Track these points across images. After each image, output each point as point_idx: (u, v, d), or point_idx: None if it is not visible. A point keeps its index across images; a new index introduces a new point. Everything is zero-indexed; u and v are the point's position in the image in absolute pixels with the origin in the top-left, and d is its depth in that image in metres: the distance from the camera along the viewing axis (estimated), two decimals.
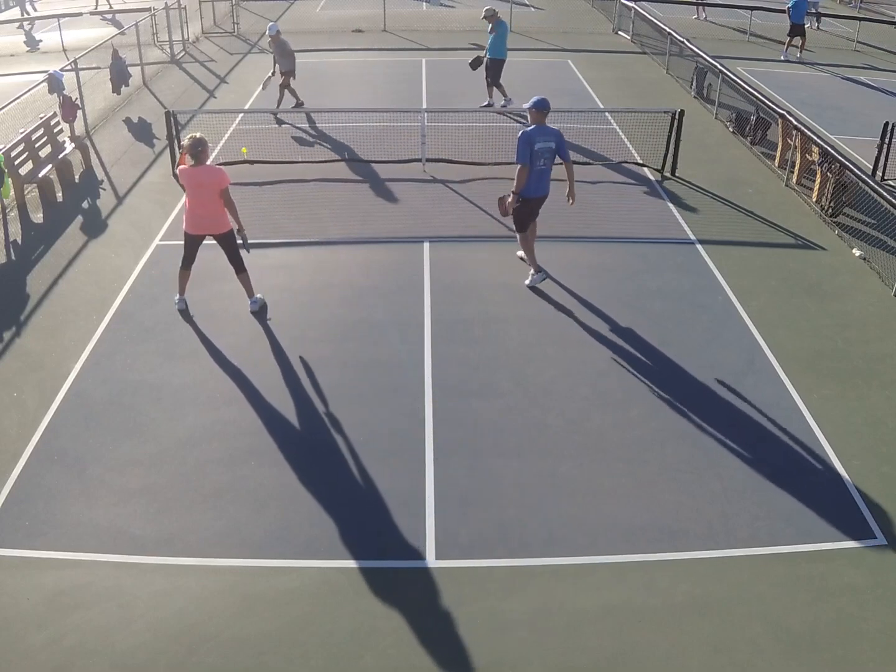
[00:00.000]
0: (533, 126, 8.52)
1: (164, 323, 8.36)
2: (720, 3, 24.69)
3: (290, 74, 14.55)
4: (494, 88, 15.16)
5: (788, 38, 20.00)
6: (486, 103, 15.21)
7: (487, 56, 14.95)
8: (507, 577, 5.52)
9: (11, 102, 12.50)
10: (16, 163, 10.97)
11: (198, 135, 7.90)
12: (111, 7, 25.24)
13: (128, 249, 9.97)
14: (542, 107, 8.54)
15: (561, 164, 8.69)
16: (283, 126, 14.00)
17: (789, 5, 19.71)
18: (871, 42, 21.81)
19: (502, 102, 15.21)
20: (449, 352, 7.93)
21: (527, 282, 9.00)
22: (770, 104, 13.28)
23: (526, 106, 8.64)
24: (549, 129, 8.58)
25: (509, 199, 8.61)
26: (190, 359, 7.80)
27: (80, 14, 21.39)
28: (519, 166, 8.39)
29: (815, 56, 20.44)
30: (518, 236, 9.01)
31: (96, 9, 24.76)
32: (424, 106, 15.26)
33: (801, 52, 20.06)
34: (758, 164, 13.08)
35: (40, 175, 11.18)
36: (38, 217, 10.95)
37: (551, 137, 8.52)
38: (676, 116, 12.11)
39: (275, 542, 5.76)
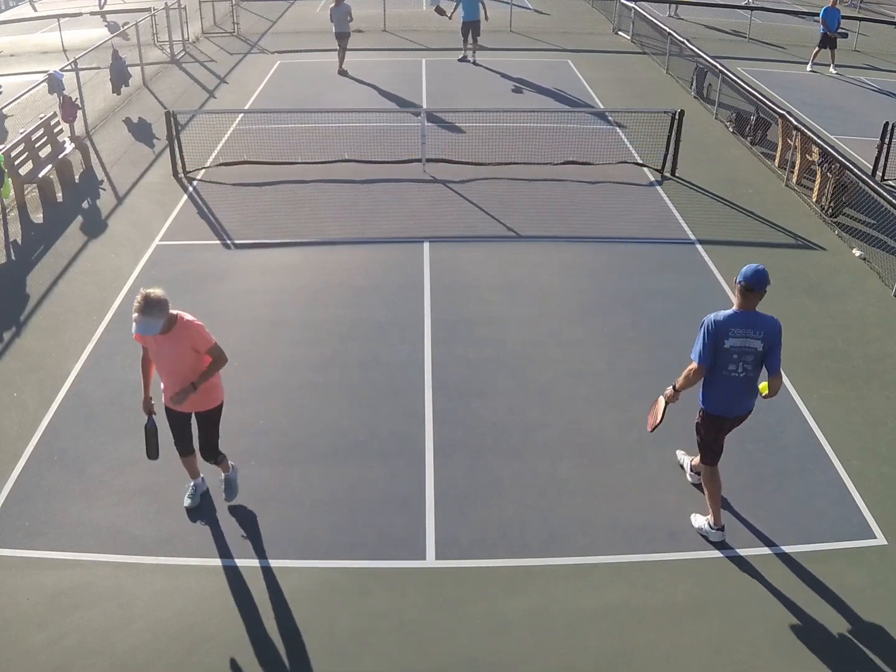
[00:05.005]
0: (731, 311, 5.41)
1: None
2: (720, 3, 24.70)
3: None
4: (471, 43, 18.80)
5: (817, 48, 18.92)
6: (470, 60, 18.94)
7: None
8: (507, 577, 5.52)
9: (11, 102, 12.50)
10: (16, 163, 10.97)
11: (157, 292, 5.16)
12: (100, 7, 25.11)
13: (128, 249, 9.97)
14: (756, 284, 5.31)
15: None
16: (284, 126, 13.99)
17: (822, 16, 18.71)
18: (871, 42, 21.80)
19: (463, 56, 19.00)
20: (449, 352, 7.93)
21: (698, 524, 5.96)
22: (770, 104, 13.29)
23: (739, 280, 5.39)
24: (759, 318, 5.38)
25: (666, 394, 5.72)
26: None
27: (80, 14, 21.37)
28: (692, 365, 5.50)
29: (810, 55, 20.40)
30: (703, 470, 5.91)
31: (102, 7, 24.62)
32: (424, 106, 15.27)
33: (833, 65, 18.91)
34: (758, 164, 13.08)
35: (40, 175, 11.18)
36: (38, 217, 10.95)
37: (758, 333, 5.34)
38: (676, 116, 12.11)
39: (275, 542, 5.77)
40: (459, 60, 18.94)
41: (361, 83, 17.25)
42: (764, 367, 5.46)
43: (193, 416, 5.71)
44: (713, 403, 5.60)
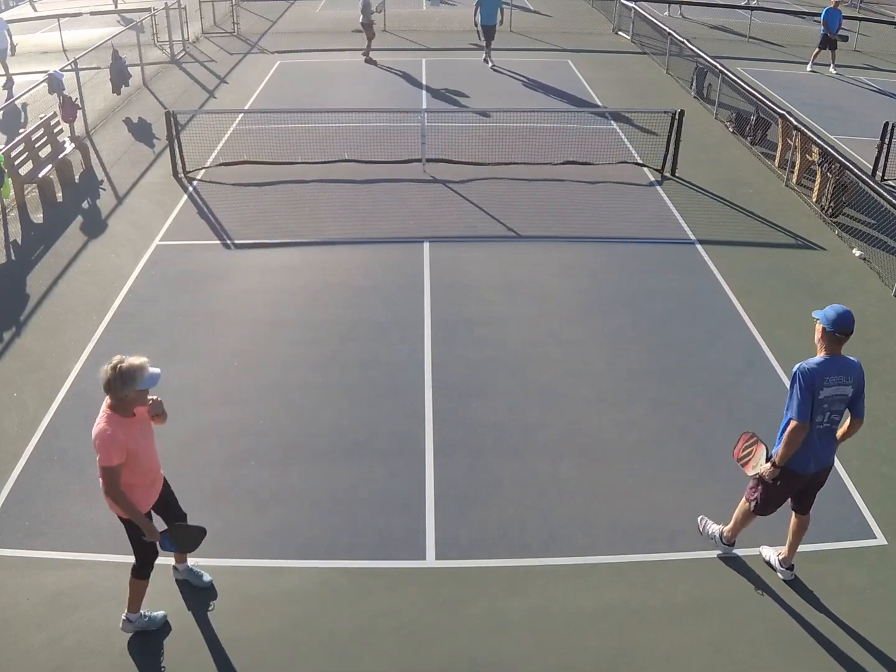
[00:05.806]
0: (822, 358, 4.96)
1: (164, 323, 8.36)
2: (721, 3, 24.70)
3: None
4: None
5: (818, 48, 18.87)
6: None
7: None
8: (507, 577, 5.51)
9: (11, 102, 12.50)
10: (16, 163, 10.97)
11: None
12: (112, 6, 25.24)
13: (128, 249, 9.97)
14: (846, 327, 4.90)
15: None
16: (284, 126, 14.00)
17: (823, 17, 18.64)
18: (871, 42, 21.80)
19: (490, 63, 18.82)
20: (449, 352, 7.92)
21: (711, 530, 5.75)
22: (770, 104, 13.29)
23: (819, 316, 4.97)
24: (848, 362, 5.02)
25: (764, 470, 5.11)
26: (190, 359, 7.79)
27: (80, 14, 21.38)
28: (793, 423, 4.91)
29: (811, 55, 20.40)
30: (743, 506, 5.40)
31: (116, 6, 24.80)
32: (424, 106, 15.27)
33: (833, 65, 18.90)
34: (758, 164, 13.08)
35: (40, 175, 11.18)
36: (38, 217, 10.95)
37: (849, 378, 5.00)
38: (676, 116, 12.11)
39: (275, 542, 5.76)
40: (491, 68, 18.58)
41: (361, 83, 17.26)
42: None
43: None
44: (793, 461, 5.00)
